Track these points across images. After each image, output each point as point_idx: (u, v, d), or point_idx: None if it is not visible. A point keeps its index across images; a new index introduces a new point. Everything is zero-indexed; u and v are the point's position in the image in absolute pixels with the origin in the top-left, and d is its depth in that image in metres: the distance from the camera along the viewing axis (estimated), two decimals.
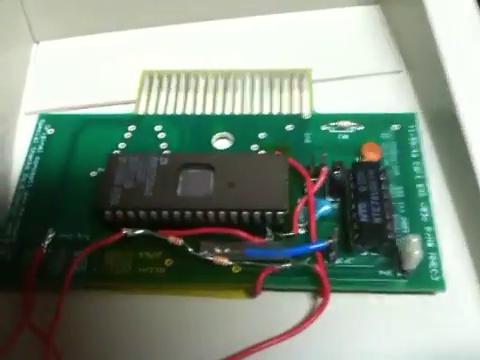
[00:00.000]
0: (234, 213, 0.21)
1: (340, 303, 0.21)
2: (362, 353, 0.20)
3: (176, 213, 0.21)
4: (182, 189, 0.22)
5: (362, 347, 0.20)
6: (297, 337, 0.20)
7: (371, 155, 0.24)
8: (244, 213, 0.21)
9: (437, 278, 0.21)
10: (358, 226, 0.21)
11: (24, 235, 0.23)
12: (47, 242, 0.22)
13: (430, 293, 0.21)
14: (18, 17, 0.29)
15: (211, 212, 0.21)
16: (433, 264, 0.21)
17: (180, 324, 0.21)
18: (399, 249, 0.21)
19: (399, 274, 0.21)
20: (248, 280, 0.21)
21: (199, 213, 0.21)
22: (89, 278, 0.21)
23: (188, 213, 0.21)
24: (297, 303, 0.21)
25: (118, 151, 0.25)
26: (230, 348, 0.20)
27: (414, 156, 0.24)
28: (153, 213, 0.21)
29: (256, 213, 0.21)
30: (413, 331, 0.21)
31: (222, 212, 0.21)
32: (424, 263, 0.21)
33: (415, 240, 0.20)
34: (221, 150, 0.25)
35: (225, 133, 0.25)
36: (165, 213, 0.21)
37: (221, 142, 0.25)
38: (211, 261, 0.21)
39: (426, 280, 0.21)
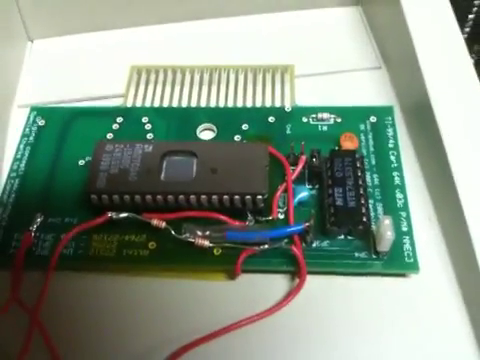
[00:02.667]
0: (215, 197, 0.22)
1: (316, 284, 0.22)
2: (337, 332, 0.21)
3: (159, 197, 0.22)
4: (166, 175, 0.23)
5: (337, 326, 0.21)
6: (274, 316, 0.21)
7: (348, 144, 0.25)
8: (225, 197, 0.22)
9: (411, 260, 0.22)
10: (334, 209, 0.22)
11: (14, 219, 0.23)
12: (36, 226, 0.23)
13: (404, 275, 0.22)
14: (13, 17, 0.30)
15: (193, 196, 0.22)
16: (407, 247, 0.22)
17: (163, 304, 0.22)
18: (374, 231, 0.22)
19: (374, 256, 0.22)
20: (228, 262, 0.22)
21: (181, 197, 0.22)
22: (76, 260, 0.22)
23: (171, 197, 0.22)
24: (275, 284, 0.22)
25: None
26: (211, 326, 0.21)
27: (390, 146, 0.25)
28: (137, 197, 0.22)
29: (236, 197, 0.22)
30: (387, 312, 0.21)
31: (203, 196, 0.22)
32: (398, 246, 0.22)
33: (387, 222, 0.21)
34: (205, 140, 0.26)
35: (209, 124, 0.26)
36: (149, 197, 0.22)
37: (205, 133, 0.26)
38: (193, 243, 0.22)
39: (400, 262, 0.22)
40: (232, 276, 0.22)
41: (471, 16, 0.32)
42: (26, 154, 0.25)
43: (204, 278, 0.22)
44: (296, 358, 0.21)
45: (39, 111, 0.27)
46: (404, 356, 0.21)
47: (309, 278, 0.22)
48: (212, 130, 0.26)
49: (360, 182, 0.23)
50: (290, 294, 0.21)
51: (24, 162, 0.25)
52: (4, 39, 0.29)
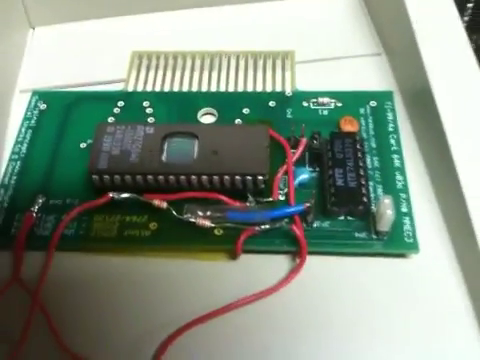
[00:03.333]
0: (216, 178, 0.22)
1: (317, 264, 0.22)
2: (337, 312, 0.21)
3: (161, 178, 0.22)
4: (167, 156, 0.23)
5: (337, 307, 0.21)
6: (274, 296, 0.21)
7: (349, 127, 0.25)
8: (226, 177, 0.22)
9: (411, 240, 0.22)
10: (334, 190, 0.22)
11: (16, 201, 0.23)
12: (37, 207, 0.23)
13: (404, 256, 0.22)
14: (16, 4, 0.31)
15: (194, 177, 0.22)
16: (407, 227, 0.22)
17: (164, 285, 0.22)
18: (374, 211, 0.22)
19: (374, 236, 0.22)
20: (230, 242, 0.22)
21: (183, 178, 0.22)
22: (77, 240, 0.22)
23: (172, 178, 0.22)
24: (276, 264, 0.22)
25: None
26: (212, 306, 0.21)
27: (390, 130, 0.25)
28: (139, 178, 0.22)
29: (237, 178, 0.22)
30: (387, 292, 0.21)
31: (205, 177, 0.22)
32: (398, 226, 0.22)
33: (387, 201, 0.21)
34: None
35: (210, 109, 0.26)
36: (150, 178, 0.22)
37: (206, 118, 0.26)
38: (194, 224, 0.22)
39: (400, 242, 0.22)
40: (233, 256, 0.22)
41: (470, 5, 0.32)
42: (28, 137, 0.25)
43: (205, 258, 0.22)
44: (296, 338, 0.21)
45: (41, 95, 0.27)
46: (405, 336, 0.21)
47: (309, 258, 0.22)
48: (213, 114, 0.26)
49: (360, 163, 0.23)
50: (291, 274, 0.22)
51: (25, 145, 0.25)
52: (6, 26, 0.29)
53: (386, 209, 0.21)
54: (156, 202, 0.22)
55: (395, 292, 0.22)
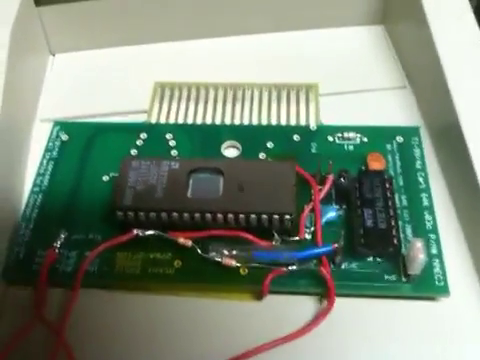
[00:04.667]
0: (242, 216, 0.22)
1: (345, 307, 0.21)
2: (365, 356, 0.21)
3: (186, 215, 0.22)
4: (192, 192, 0.23)
5: (365, 350, 0.21)
6: (302, 339, 0.21)
7: (376, 165, 0.24)
8: (252, 216, 0.22)
9: (441, 283, 0.21)
10: (364, 231, 0.22)
11: (37, 235, 0.23)
12: (60, 242, 0.23)
13: (434, 299, 0.22)
14: (36, 31, 0.30)
15: (220, 215, 0.22)
16: (437, 270, 0.22)
17: (188, 324, 0.22)
18: (404, 254, 0.22)
19: (404, 279, 0.22)
20: (255, 282, 0.21)
21: (208, 215, 0.22)
22: (100, 277, 0.22)
23: (197, 215, 0.22)
24: (303, 306, 0.22)
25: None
26: (236, 349, 0.20)
27: (418, 167, 0.25)
28: (163, 214, 0.22)
29: (264, 216, 0.22)
30: (416, 336, 0.21)
31: (231, 215, 0.22)
32: (428, 269, 0.22)
33: (419, 244, 0.21)
34: (230, 158, 0.26)
35: (234, 142, 0.26)
36: (175, 215, 0.22)
37: (230, 151, 0.26)
38: (219, 263, 0.22)
39: (430, 285, 0.21)
40: (259, 297, 0.22)
41: None
42: (49, 169, 0.25)
43: (230, 298, 0.22)
44: None
45: (62, 126, 0.27)
46: None
47: (337, 300, 0.21)
48: (237, 147, 0.26)
49: (390, 203, 0.22)
50: (318, 317, 0.21)
51: (47, 177, 0.25)
52: (26, 52, 0.29)
53: (419, 253, 0.20)
54: (181, 240, 0.22)
55: (424, 335, 0.21)
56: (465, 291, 0.22)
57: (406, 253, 0.21)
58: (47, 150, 0.26)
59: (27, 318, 0.21)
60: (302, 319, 0.21)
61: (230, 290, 0.22)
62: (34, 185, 0.25)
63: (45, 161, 0.25)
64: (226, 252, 0.22)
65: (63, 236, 0.23)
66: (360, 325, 0.21)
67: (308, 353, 0.21)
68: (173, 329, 0.21)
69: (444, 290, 0.21)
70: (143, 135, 0.26)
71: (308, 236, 0.23)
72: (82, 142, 0.26)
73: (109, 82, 0.29)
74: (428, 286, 0.21)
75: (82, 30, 0.31)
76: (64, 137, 0.26)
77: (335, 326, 0.21)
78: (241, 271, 0.22)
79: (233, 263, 0.22)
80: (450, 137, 0.25)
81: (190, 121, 0.27)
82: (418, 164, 0.25)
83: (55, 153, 0.26)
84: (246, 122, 0.27)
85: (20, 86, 0.27)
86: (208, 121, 0.27)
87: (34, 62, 0.30)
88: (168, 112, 0.28)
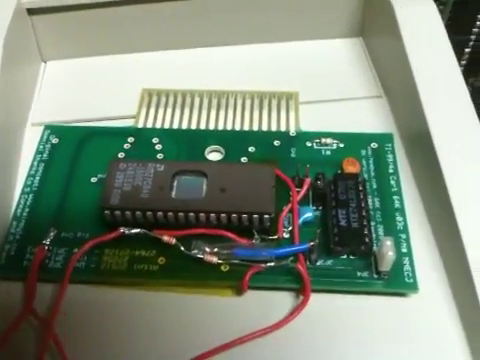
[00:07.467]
0: (224, 215, 0.23)
1: (319, 302, 0.23)
2: (338, 349, 0.22)
3: (170, 214, 0.23)
4: (176, 193, 0.24)
5: (338, 344, 0.22)
6: (279, 332, 0.22)
7: (351, 169, 0.26)
8: (233, 216, 0.23)
9: (411, 280, 0.23)
10: (338, 230, 0.23)
11: (28, 233, 0.24)
12: (49, 240, 0.24)
13: (404, 295, 0.23)
14: (29, 40, 0.32)
15: (202, 214, 0.23)
16: (407, 267, 0.23)
17: (171, 318, 0.23)
18: (375, 251, 0.23)
19: (375, 276, 0.23)
20: (236, 278, 0.23)
21: (191, 215, 0.23)
22: (87, 273, 0.23)
23: (181, 214, 0.23)
24: (281, 301, 0.23)
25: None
26: (218, 341, 0.21)
27: (391, 171, 0.26)
28: (149, 214, 0.23)
29: (244, 216, 0.23)
30: (387, 330, 0.22)
31: (213, 214, 0.23)
32: (398, 266, 0.23)
33: (389, 242, 0.22)
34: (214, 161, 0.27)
35: (217, 146, 0.27)
36: (160, 214, 0.23)
37: (213, 155, 0.27)
38: (201, 259, 0.23)
39: (400, 282, 0.23)
40: (239, 292, 0.23)
41: (467, 50, 0.34)
42: (40, 170, 0.26)
43: (212, 293, 0.23)
44: None
45: (53, 129, 0.28)
46: None
47: (312, 295, 0.22)
48: (220, 152, 0.27)
49: (362, 204, 0.24)
50: (294, 311, 0.22)
51: (38, 178, 0.26)
52: (19, 59, 0.30)
53: (387, 251, 0.22)
54: (165, 238, 0.23)
55: (394, 330, 0.22)
56: (433, 287, 0.23)
57: (377, 251, 0.23)
58: (38, 152, 0.27)
59: (18, 310, 0.22)
60: (280, 313, 0.22)
61: (212, 286, 0.23)
62: (25, 186, 0.26)
63: (36, 163, 0.27)
64: (208, 249, 0.23)
65: (52, 234, 0.24)
66: (334, 319, 0.22)
67: (284, 345, 0.22)
68: (157, 323, 0.22)
69: (413, 286, 0.23)
70: (130, 139, 0.27)
71: (286, 235, 0.24)
72: (72, 145, 0.27)
73: (98, 88, 0.31)
74: (398, 283, 0.23)
75: (73, 39, 0.32)
76: (54, 140, 0.27)
77: (310, 320, 0.22)
78: (222, 268, 0.23)
79: (215, 260, 0.23)
80: (421, 144, 0.26)
81: (176, 126, 0.29)
82: (391, 168, 0.26)
83: (46, 155, 0.27)
84: (229, 128, 0.29)
85: (13, 92, 0.28)
86: (193, 126, 0.29)
87: (26, 69, 0.31)
88: (155, 117, 0.29)
